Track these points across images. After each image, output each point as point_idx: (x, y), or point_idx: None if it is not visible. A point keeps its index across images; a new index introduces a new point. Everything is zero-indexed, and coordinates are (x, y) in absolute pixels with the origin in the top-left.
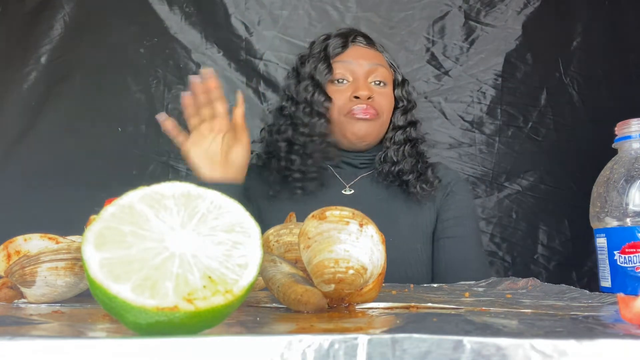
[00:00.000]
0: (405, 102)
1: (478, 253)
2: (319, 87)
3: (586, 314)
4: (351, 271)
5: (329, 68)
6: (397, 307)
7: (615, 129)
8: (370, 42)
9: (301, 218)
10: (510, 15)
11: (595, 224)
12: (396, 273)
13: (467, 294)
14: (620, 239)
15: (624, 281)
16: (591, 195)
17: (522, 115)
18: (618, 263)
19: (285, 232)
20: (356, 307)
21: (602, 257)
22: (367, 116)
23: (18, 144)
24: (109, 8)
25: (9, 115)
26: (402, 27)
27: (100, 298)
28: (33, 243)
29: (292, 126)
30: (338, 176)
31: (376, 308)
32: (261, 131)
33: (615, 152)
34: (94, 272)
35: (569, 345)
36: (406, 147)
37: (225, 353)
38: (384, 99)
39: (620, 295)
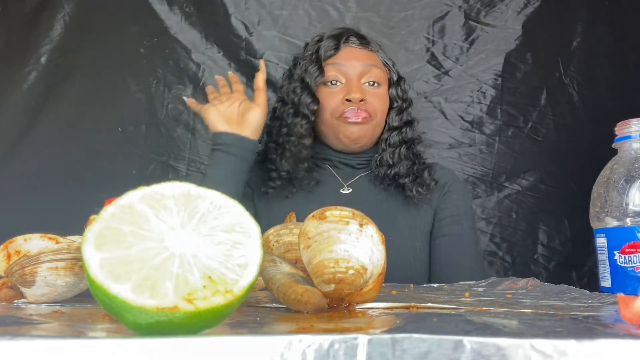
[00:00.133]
0: (400, 102)
1: (474, 251)
2: (307, 89)
3: (586, 314)
4: (351, 271)
5: (320, 70)
6: (397, 307)
7: (615, 129)
8: (363, 42)
9: (300, 217)
10: (510, 15)
11: (595, 224)
12: (396, 272)
13: (467, 294)
14: (620, 239)
15: (624, 281)
16: (591, 195)
17: (522, 115)
18: (618, 263)
19: (285, 232)
20: (356, 307)
21: (602, 257)
22: (359, 119)
23: (18, 144)
24: (109, 8)
25: (9, 115)
26: (402, 27)
27: (100, 298)
28: (33, 243)
29: (279, 127)
30: (336, 175)
31: (376, 308)
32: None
33: (615, 152)
34: (94, 272)
35: (569, 345)
36: (402, 149)
37: (225, 353)
38: (378, 100)
39: (620, 295)
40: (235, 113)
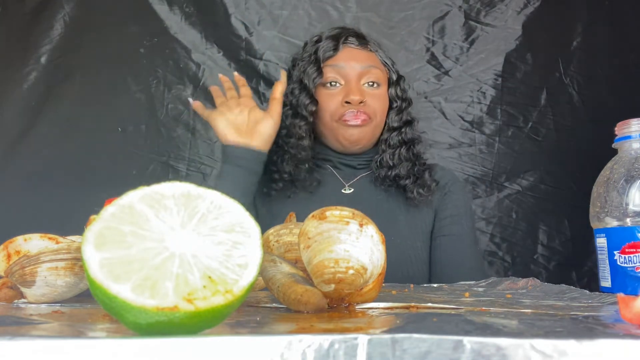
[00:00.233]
0: (399, 102)
1: (473, 251)
2: (305, 90)
3: (586, 314)
4: (351, 271)
5: (319, 71)
6: (397, 307)
7: (615, 129)
8: (362, 42)
9: (302, 217)
10: (510, 15)
11: (595, 224)
12: (397, 272)
13: (467, 294)
14: (620, 239)
15: (624, 281)
16: (591, 195)
17: (522, 115)
18: (618, 263)
19: (285, 232)
20: (356, 307)
21: (602, 257)
22: (358, 122)
23: (18, 144)
24: (109, 8)
25: (9, 115)
26: (402, 27)
27: (100, 298)
28: (33, 243)
29: (279, 129)
30: (337, 175)
31: (376, 308)
32: None
33: (615, 152)
34: (94, 272)
35: (569, 345)
36: (401, 149)
37: (225, 353)
38: (377, 101)
39: (620, 295)
40: (245, 122)
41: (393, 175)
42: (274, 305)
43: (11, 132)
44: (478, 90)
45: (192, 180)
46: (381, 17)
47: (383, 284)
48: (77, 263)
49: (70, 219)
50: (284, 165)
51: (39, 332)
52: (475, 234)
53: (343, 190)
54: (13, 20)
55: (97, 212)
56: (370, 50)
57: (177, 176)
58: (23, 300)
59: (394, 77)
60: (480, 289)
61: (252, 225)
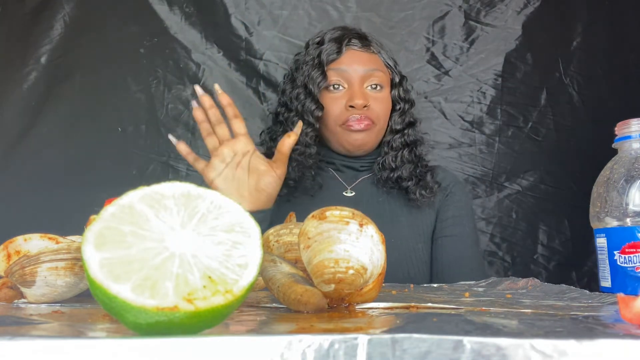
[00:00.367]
0: (402, 104)
1: (475, 252)
2: (311, 95)
3: (586, 314)
4: (351, 271)
5: (324, 75)
6: (397, 307)
7: (615, 129)
8: (365, 43)
9: (302, 219)
10: (510, 15)
11: (595, 224)
12: (399, 273)
13: (467, 294)
14: (620, 239)
15: (624, 281)
16: (591, 195)
17: (522, 115)
18: (618, 263)
19: (285, 232)
20: (356, 307)
21: (602, 257)
22: (362, 126)
23: (18, 144)
24: (109, 8)
25: (9, 115)
26: (402, 27)
27: (100, 298)
28: (33, 243)
29: (284, 134)
30: (339, 178)
31: (376, 308)
32: (261, 134)
33: (615, 152)
34: (94, 272)
35: (569, 345)
36: (404, 151)
37: (225, 353)
38: (380, 104)
39: (620, 295)
40: (246, 182)
41: (395, 177)
42: (274, 305)
43: (11, 132)
44: (478, 90)
45: (192, 180)
46: (381, 17)
47: (383, 284)
48: (77, 263)
49: (70, 219)
50: (289, 172)
51: (39, 332)
52: (476, 235)
53: (344, 193)
54: (13, 20)
55: (97, 212)
56: (373, 52)
57: (177, 176)
58: (23, 300)
59: (397, 78)
60: (480, 289)
61: (252, 225)
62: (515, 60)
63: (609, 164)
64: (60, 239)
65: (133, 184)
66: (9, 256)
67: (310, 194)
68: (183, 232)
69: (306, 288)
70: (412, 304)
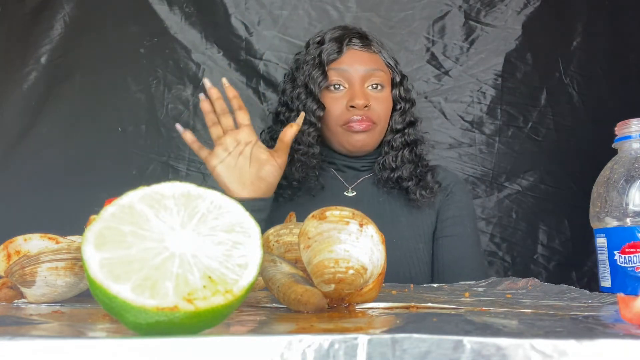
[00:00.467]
0: (403, 103)
1: (476, 252)
2: (312, 95)
3: (586, 314)
4: (351, 271)
5: (324, 75)
6: (397, 307)
7: (615, 129)
8: (365, 43)
9: (302, 219)
10: (510, 15)
11: (595, 224)
12: (400, 273)
13: (467, 294)
14: (620, 239)
15: (624, 281)
16: (591, 195)
17: (522, 115)
18: (618, 263)
19: (285, 232)
20: (356, 307)
21: (602, 257)
22: (363, 127)
23: (18, 144)
24: (109, 8)
25: (9, 115)
26: (402, 27)
27: (100, 298)
28: (33, 243)
29: None
30: (340, 178)
31: (376, 308)
32: (261, 133)
33: (615, 152)
34: (94, 272)
35: (569, 345)
36: (404, 151)
37: (225, 353)
38: (381, 104)
39: (620, 295)
40: (248, 170)
41: (396, 177)
42: (274, 305)
43: (11, 132)
44: (478, 90)
45: (192, 180)
46: (381, 17)
47: (383, 284)
48: (77, 263)
49: (70, 219)
50: (293, 172)
51: (39, 332)
52: (477, 235)
53: (345, 193)
54: (13, 20)
55: (97, 212)
56: (374, 52)
57: (177, 176)
58: (23, 300)
59: (398, 77)
60: (480, 289)
61: (252, 225)
62: (515, 60)
63: (609, 164)
64: (60, 239)
65: (133, 184)
66: (9, 256)
67: (312, 194)
68: (183, 232)
69: (306, 288)
70: (412, 304)
